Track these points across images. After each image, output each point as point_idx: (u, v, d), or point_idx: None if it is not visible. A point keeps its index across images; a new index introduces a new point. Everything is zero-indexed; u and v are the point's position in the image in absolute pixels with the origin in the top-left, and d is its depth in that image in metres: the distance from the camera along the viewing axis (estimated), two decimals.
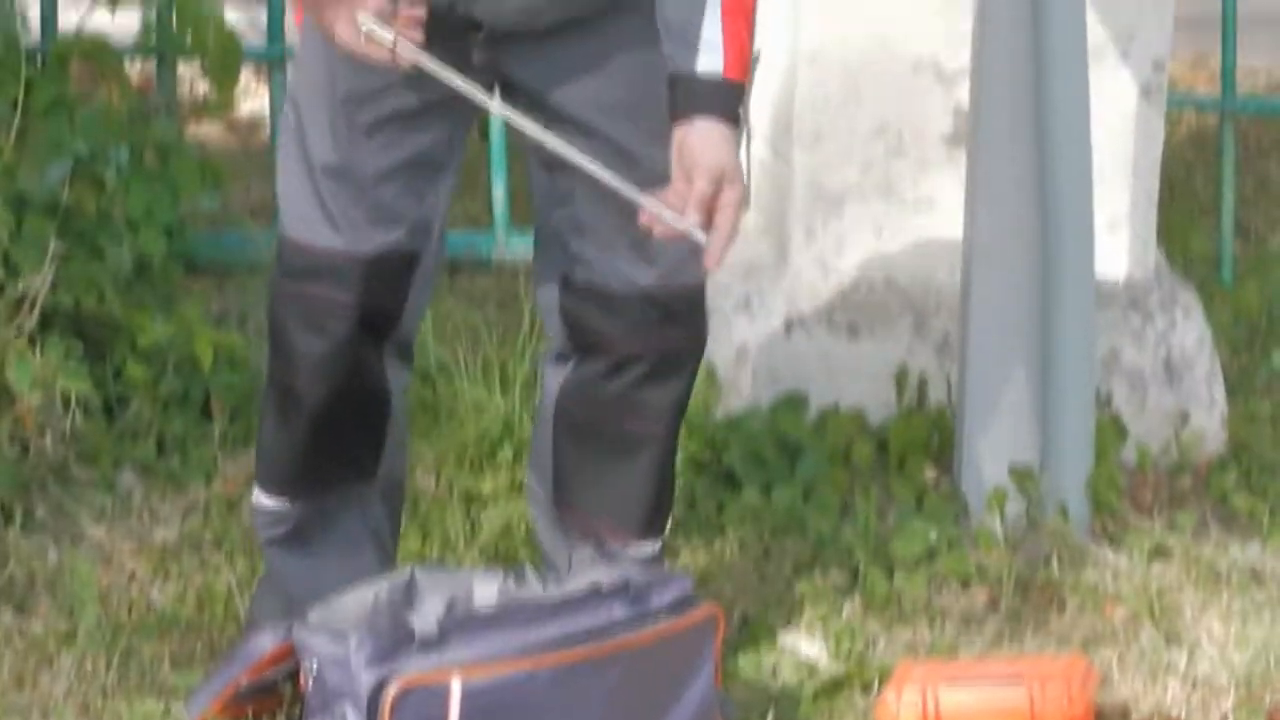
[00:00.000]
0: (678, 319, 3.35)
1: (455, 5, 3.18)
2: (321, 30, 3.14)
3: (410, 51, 3.00)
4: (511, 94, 3.27)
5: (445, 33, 3.16)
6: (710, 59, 3.08)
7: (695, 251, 3.10)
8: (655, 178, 3.07)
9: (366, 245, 3.32)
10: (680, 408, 3.47)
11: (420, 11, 3.06)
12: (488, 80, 3.22)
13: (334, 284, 3.37)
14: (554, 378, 3.51)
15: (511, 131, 3.53)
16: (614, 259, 3.28)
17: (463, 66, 3.15)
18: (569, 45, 3.19)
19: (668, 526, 3.57)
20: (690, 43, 3.08)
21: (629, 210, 3.09)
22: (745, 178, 3.13)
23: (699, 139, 3.04)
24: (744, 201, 3.09)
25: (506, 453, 4.21)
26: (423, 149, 3.31)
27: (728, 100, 3.07)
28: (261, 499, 3.62)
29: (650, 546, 3.57)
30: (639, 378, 3.39)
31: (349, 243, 3.32)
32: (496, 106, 3.07)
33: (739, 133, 3.10)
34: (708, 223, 3.01)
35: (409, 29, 3.05)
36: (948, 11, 4.46)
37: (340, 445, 3.53)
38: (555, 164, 3.22)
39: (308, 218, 3.37)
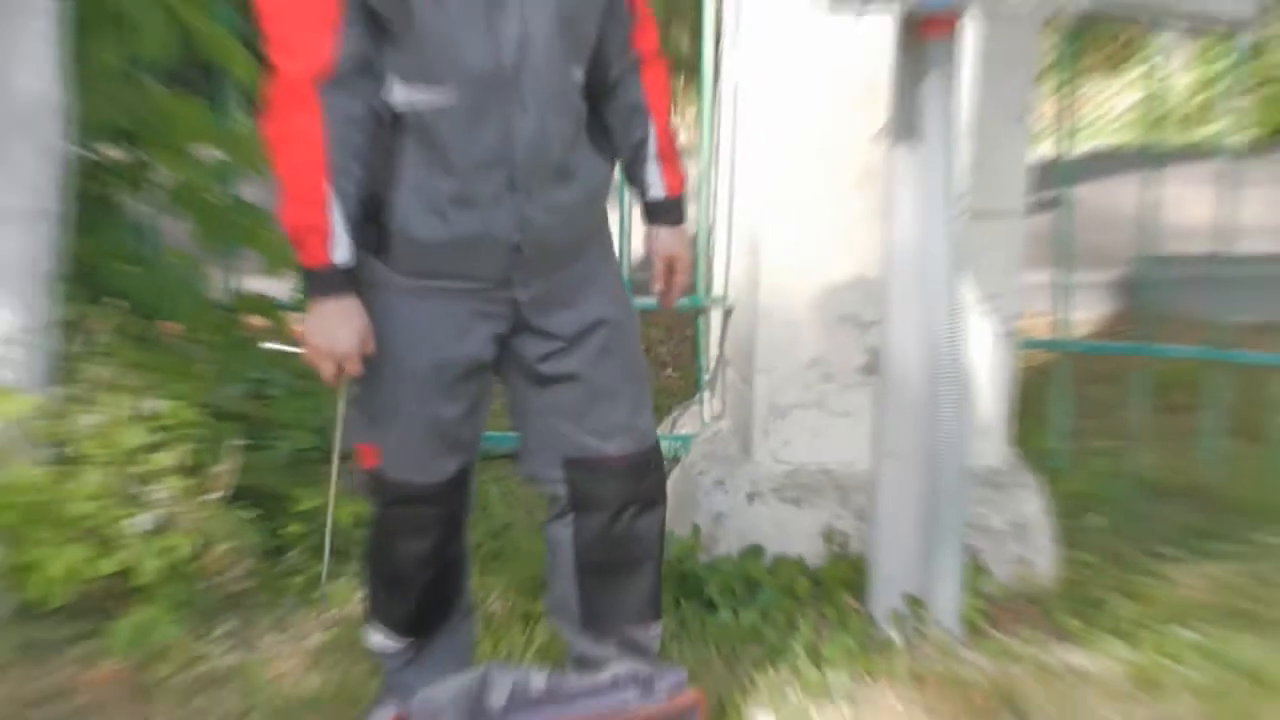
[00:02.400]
0: (651, 471, 3.96)
1: (511, 233, 3.65)
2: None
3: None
4: (524, 335, 3.80)
5: (488, 277, 3.69)
6: (656, 190, 3.99)
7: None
8: (633, 328, 3.94)
9: (446, 474, 3.87)
10: (662, 526, 4.01)
11: None
12: (511, 327, 3.78)
13: (429, 505, 3.90)
14: (561, 534, 4.01)
15: (505, 364, 3.90)
16: (609, 437, 3.85)
17: (503, 316, 3.74)
18: (565, 277, 3.76)
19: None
20: (645, 185, 3.99)
21: (618, 400, 3.85)
22: (690, 258, 4.10)
23: (662, 236, 4.03)
24: (689, 271, 4.12)
25: None
26: (484, 386, 3.81)
27: (673, 210, 4.03)
28: (383, 641, 4.16)
29: (658, 626, 4.12)
30: (633, 516, 3.94)
31: (436, 476, 3.85)
32: None
33: (684, 227, 4.07)
34: (666, 286, 4.06)
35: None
36: (864, 280, 5.07)
37: (441, 601, 4.10)
38: (554, 379, 3.81)
39: (406, 465, 3.85)
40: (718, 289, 5.84)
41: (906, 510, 4.78)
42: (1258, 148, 10.48)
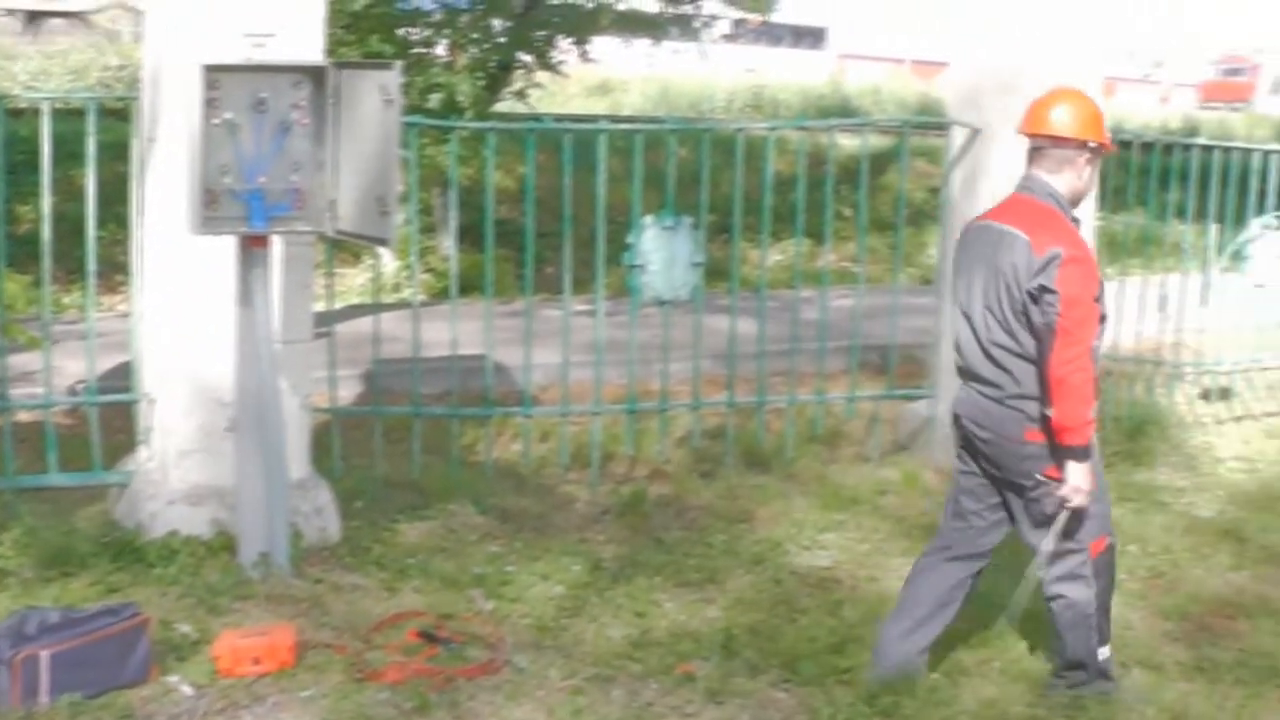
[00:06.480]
0: None
1: None
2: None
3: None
4: None
5: None
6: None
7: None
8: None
9: None
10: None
11: None
12: None
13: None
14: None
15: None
16: None
17: None
18: None
19: None
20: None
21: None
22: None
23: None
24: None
25: None
26: None
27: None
28: (1106, 652, 5.84)
29: None
30: None
31: None
32: None
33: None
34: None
35: None
36: (228, 374, 6.67)
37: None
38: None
39: (1107, 533, 5.80)
40: (147, 385, 7.37)
41: (256, 506, 6.59)
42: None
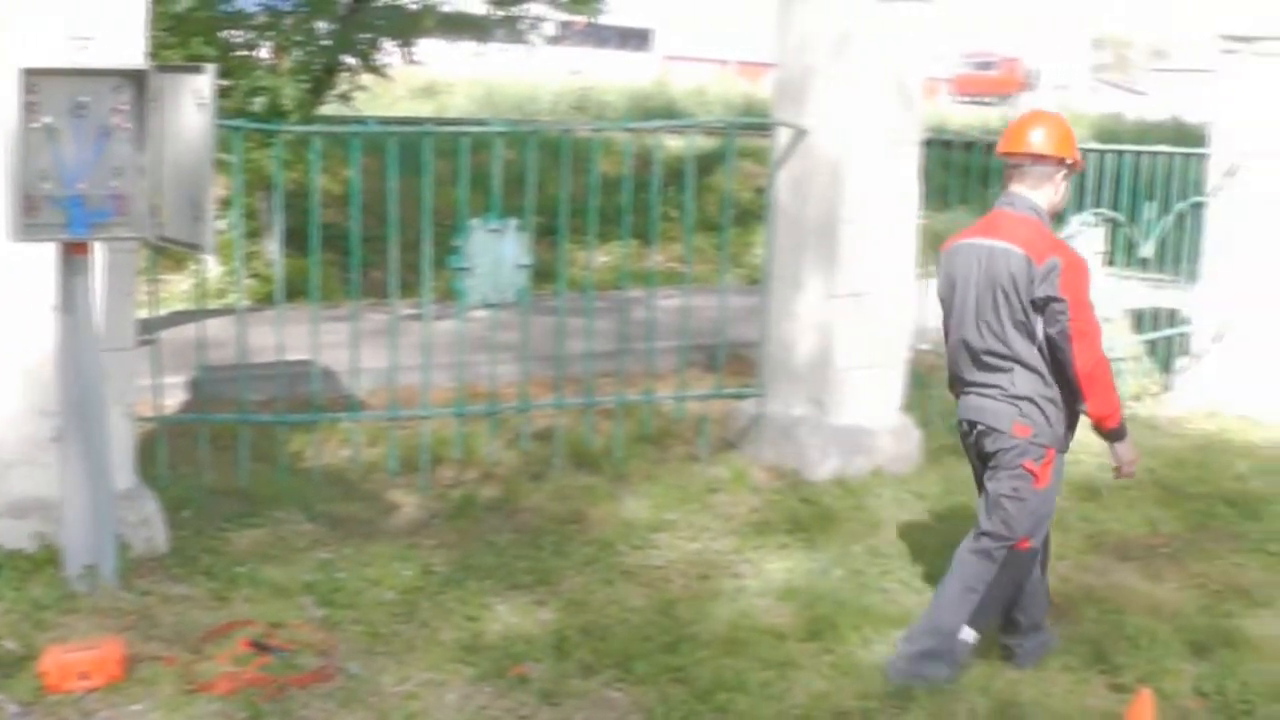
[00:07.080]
0: None
1: None
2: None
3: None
4: None
5: None
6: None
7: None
8: None
9: None
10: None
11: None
12: None
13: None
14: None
15: None
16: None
17: None
18: None
19: None
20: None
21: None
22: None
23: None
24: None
25: None
26: None
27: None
28: (973, 636, 6.02)
29: None
30: None
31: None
32: None
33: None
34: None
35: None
36: (49, 382, 6.59)
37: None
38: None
39: (1042, 537, 6.12)
40: None
41: (81, 517, 6.54)
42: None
